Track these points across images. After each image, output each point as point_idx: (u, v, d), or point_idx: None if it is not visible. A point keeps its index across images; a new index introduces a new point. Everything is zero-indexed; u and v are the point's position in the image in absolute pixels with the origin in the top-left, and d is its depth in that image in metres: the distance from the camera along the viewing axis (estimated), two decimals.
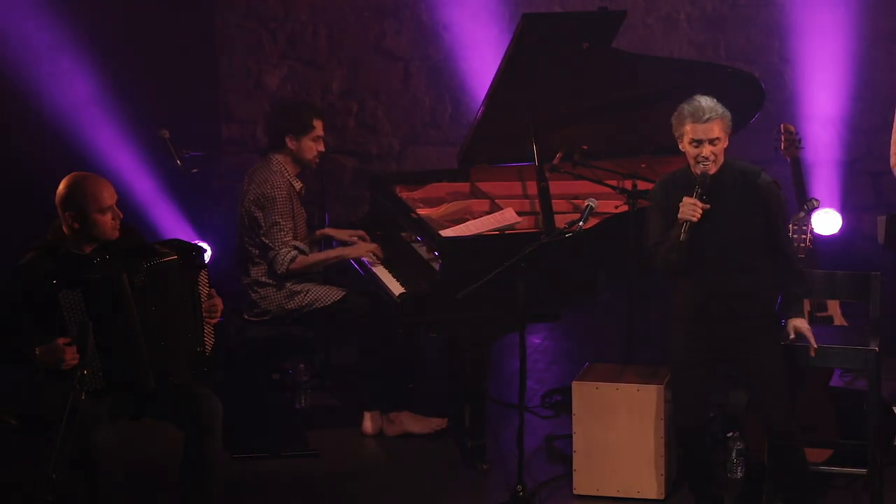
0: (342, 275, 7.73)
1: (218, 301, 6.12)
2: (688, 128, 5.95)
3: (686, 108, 5.99)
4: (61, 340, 5.72)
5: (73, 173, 5.95)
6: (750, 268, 6.03)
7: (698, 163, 5.96)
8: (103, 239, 5.93)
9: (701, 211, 5.92)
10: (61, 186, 5.90)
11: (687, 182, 6.03)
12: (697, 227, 5.96)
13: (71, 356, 5.69)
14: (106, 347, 5.81)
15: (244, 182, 7.44)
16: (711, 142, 5.93)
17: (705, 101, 5.98)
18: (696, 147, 5.95)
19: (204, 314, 6.07)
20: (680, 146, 6.04)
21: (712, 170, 5.96)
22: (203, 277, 6.07)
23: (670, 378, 6.29)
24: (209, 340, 6.12)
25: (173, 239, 6.17)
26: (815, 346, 6.10)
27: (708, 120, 5.92)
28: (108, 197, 5.90)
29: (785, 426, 6.09)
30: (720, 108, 5.98)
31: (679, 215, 5.95)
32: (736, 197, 6.02)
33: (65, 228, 5.93)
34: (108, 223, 5.90)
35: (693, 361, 6.11)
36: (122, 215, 5.97)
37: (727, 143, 6.01)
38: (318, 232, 7.69)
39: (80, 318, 5.75)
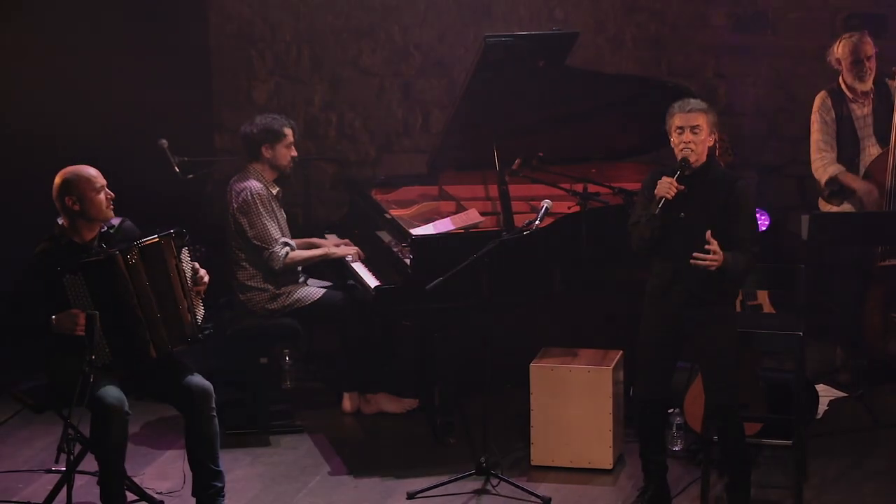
0: (324, 270, 7.71)
1: (203, 272, 6.19)
2: (675, 118, 6.06)
3: (677, 103, 6.13)
4: (74, 311, 5.86)
5: (63, 169, 6.08)
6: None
7: (681, 150, 6.06)
8: (101, 218, 6.05)
9: (675, 190, 5.99)
10: (57, 179, 6.04)
11: (673, 171, 6.10)
12: (671, 211, 6.01)
13: (83, 321, 5.81)
14: (109, 323, 5.89)
15: (227, 192, 7.42)
16: (692, 129, 6.01)
17: (693, 99, 6.14)
18: (680, 134, 6.04)
19: (191, 285, 6.15)
20: (671, 141, 6.12)
21: (692, 158, 6.03)
22: (185, 255, 6.12)
23: (638, 352, 6.22)
24: (199, 311, 6.19)
25: (158, 229, 6.21)
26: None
27: (691, 110, 6.04)
28: (100, 178, 6.05)
29: (728, 404, 6.11)
30: (705, 105, 6.11)
31: (656, 191, 6.02)
32: (712, 193, 6.07)
33: (64, 219, 6.03)
34: (104, 201, 6.04)
35: (658, 338, 6.13)
36: (113, 195, 6.09)
37: (711, 141, 6.09)
38: (311, 240, 7.68)
39: (84, 299, 5.86)
